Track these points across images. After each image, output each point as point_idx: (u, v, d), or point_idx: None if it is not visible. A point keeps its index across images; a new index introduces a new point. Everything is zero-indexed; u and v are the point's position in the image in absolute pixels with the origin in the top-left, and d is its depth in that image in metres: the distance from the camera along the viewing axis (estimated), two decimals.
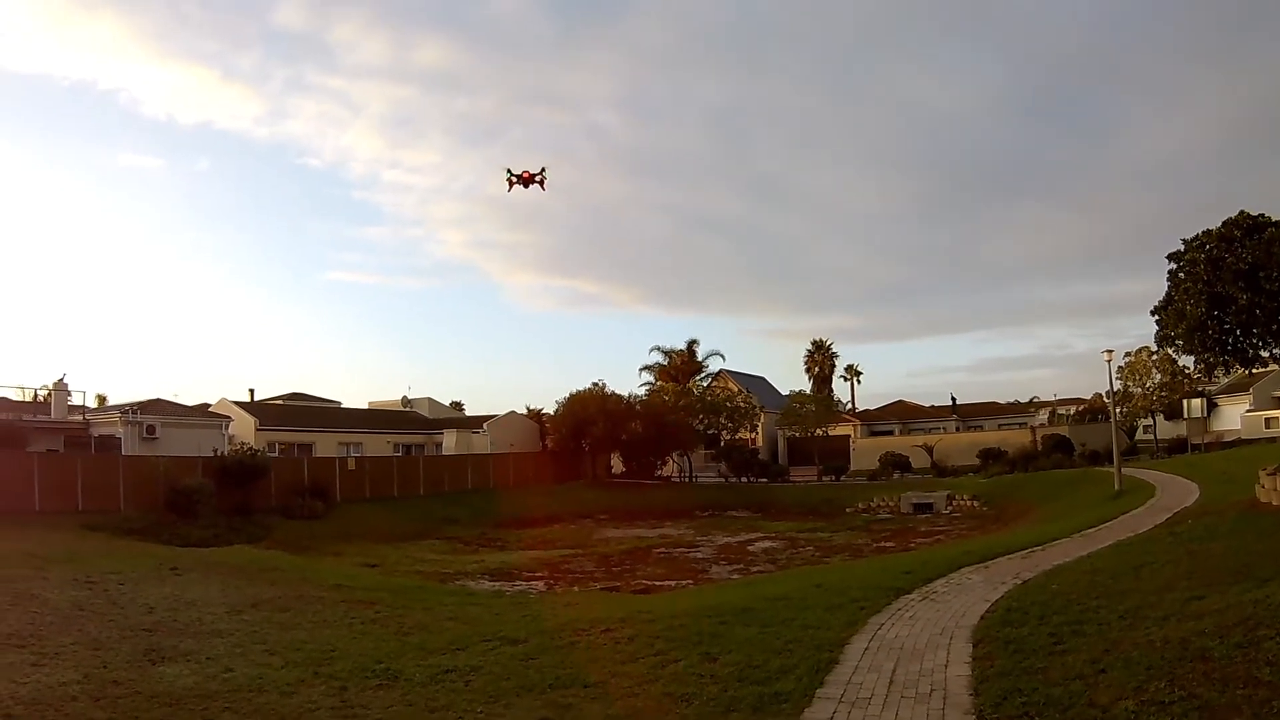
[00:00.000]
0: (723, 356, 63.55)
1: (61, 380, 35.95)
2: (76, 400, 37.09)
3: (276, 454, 37.85)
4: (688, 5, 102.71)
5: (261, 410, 44.50)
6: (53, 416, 35.04)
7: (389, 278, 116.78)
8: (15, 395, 37.53)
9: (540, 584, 19.44)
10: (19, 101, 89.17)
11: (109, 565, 15.38)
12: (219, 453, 31.38)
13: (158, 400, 37.77)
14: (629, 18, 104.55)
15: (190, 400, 42.99)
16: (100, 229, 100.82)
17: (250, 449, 32.64)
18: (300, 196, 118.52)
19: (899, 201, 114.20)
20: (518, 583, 19.58)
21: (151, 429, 34.44)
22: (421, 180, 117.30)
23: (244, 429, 39.31)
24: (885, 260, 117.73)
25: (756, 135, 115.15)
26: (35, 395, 37.90)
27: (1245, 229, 15.32)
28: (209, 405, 42.97)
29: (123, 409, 35.86)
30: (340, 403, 55.59)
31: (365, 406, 56.02)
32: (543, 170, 21.06)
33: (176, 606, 11.52)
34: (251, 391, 49.03)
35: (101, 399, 45.42)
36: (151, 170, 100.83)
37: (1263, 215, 15.46)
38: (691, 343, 63.28)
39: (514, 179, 20.69)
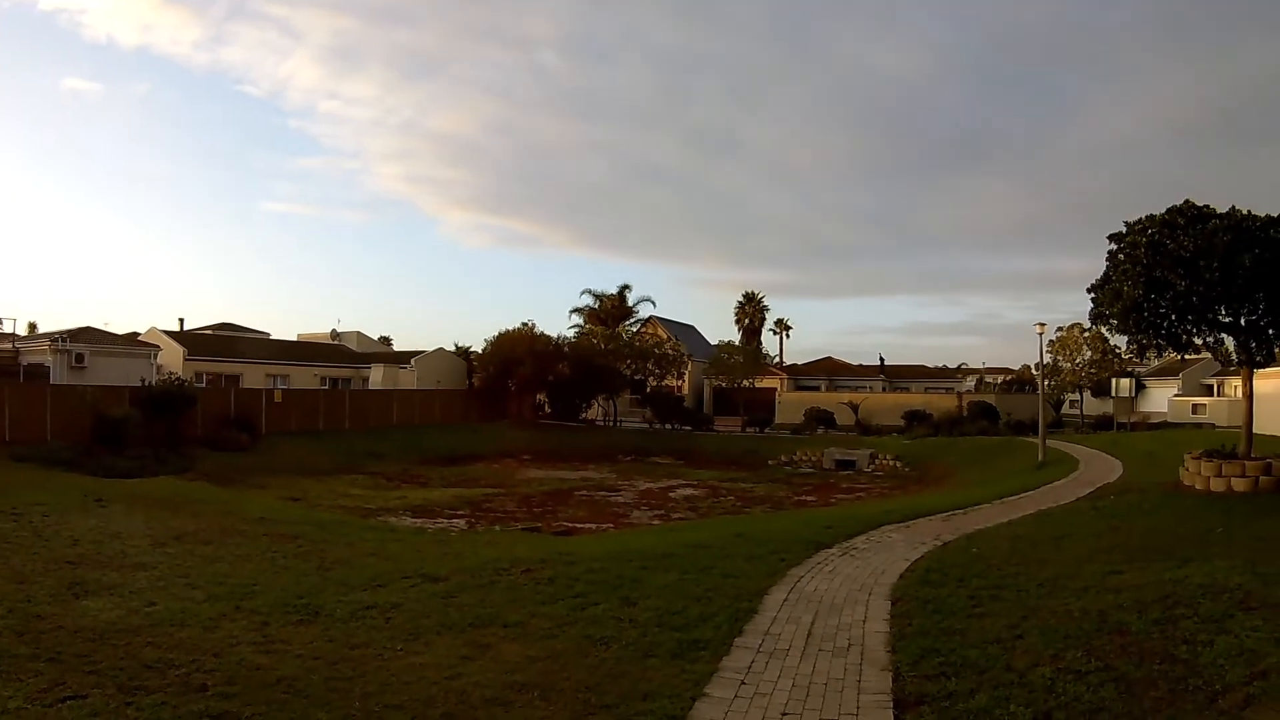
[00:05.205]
0: (653, 303, 62.89)
1: None
2: (6, 328, 36.05)
3: (204, 385, 37.68)
4: None
5: (190, 340, 43.83)
6: None
7: (324, 209, 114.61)
8: None
9: (462, 522, 19.52)
10: None
11: (34, 496, 15.34)
12: (146, 382, 31.15)
13: (88, 328, 36.87)
14: None
15: (121, 329, 41.94)
16: (34, 153, 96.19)
17: (178, 379, 32.64)
18: (237, 125, 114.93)
19: (841, 160, 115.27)
20: (439, 520, 19.67)
21: (81, 358, 33.83)
22: (359, 112, 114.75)
23: (173, 359, 38.90)
24: (823, 217, 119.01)
25: (701, 84, 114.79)
26: None
27: (1189, 218, 15.24)
28: (139, 334, 42.17)
29: (52, 337, 34.91)
30: (270, 334, 54.76)
31: (294, 338, 55.22)
32: None
33: (101, 539, 11.45)
34: (181, 321, 48.09)
35: (32, 326, 44.41)
36: (90, 94, 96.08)
37: (1208, 206, 15.51)
38: (623, 288, 62.16)
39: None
